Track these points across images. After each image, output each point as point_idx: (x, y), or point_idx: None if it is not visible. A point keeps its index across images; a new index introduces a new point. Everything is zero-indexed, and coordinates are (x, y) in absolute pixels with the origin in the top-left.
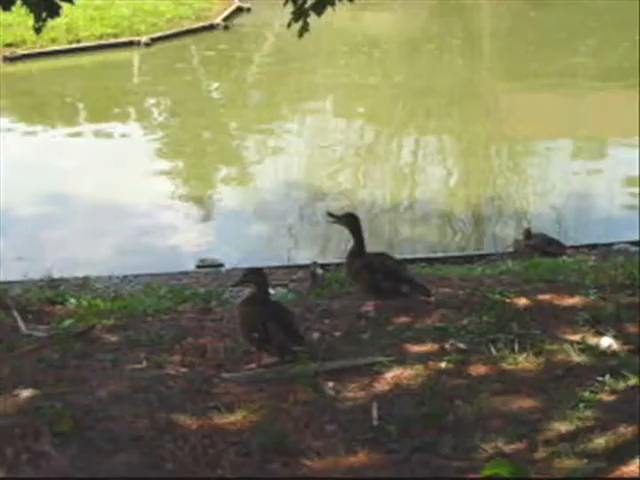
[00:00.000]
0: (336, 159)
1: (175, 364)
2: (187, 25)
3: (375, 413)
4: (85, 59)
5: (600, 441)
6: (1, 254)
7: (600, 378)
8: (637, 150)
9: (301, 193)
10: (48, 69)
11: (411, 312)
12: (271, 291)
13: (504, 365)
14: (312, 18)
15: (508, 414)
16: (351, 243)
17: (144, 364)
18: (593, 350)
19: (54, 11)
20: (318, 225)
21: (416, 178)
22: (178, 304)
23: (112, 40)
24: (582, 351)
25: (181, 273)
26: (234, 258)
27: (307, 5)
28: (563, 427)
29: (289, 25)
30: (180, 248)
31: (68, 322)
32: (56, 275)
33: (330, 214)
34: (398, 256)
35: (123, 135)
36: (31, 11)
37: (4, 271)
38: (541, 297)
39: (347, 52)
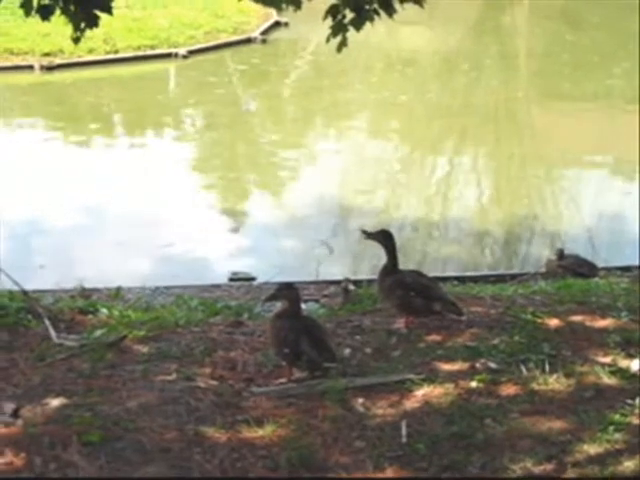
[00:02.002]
0: (370, 176)
1: (205, 377)
2: (225, 38)
3: (404, 431)
4: (122, 70)
5: (629, 464)
6: (34, 263)
7: (630, 401)
8: None
9: (334, 209)
10: (85, 79)
11: (442, 330)
12: (303, 306)
13: (534, 385)
14: (350, 33)
15: (537, 435)
16: (383, 260)
17: (174, 376)
18: (624, 373)
19: (93, 21)
20: (351, 241)
21: (450, 196)
22: (209, 317)
23: (149, 52)
24: (613, 373)
25: (213, 286)
26: (266, 272)
27: (346, 20)
28: (592, 449)
29: (328, 40)
30: (213, 261)
31: (99, 332)
32: (88, 285)
33: (364, 231)
34: (430, 274)
35: (157, 146)
36: (70, 21)
37: (36, 280)
38: (573, 318)
39: (383, 68)
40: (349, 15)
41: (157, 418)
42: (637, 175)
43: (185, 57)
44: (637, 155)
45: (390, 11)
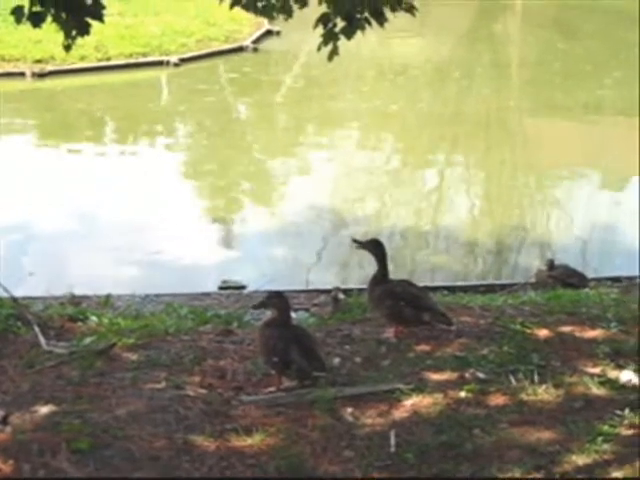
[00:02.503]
0: (361, 185)
1: (194, 385)
2: (217, 46)
3: (393, 440)
4: (114, 77)
5: (617, 474)
6: (23, 270)
7: (619, 412)
8: None
9: (325, 218)
10: (76, 86)
11: (432, 340)
12: (292, 314)
13: (523, 396)
14: (341, 42)
15: (526, 445)
16: (374, 269)
17: (163, 384)
18: (613, 383)
19: (84, 29)
20: (341, 250)
21: (440, 206)
22: (199, 325)
23: (141, 59)
24: (602, 384)
25: (203, 294)
26: (257, 280)
27: (337, 29)
28: (580, 460)
29: (319, 48)
30: (203, 269)
31: (89, 340)
32: (78, 292)
33: (355, 240)
34: (420, 283)
35: (148, 154)
36: (61, 29)
37: (26, 287)
38: (562, 329)
39: (374, 78)
40: (340, 24)
41: (146, 426)
42: (627, 185)
43: (177, 65)
44: (627, 165)
45: (381, 20)
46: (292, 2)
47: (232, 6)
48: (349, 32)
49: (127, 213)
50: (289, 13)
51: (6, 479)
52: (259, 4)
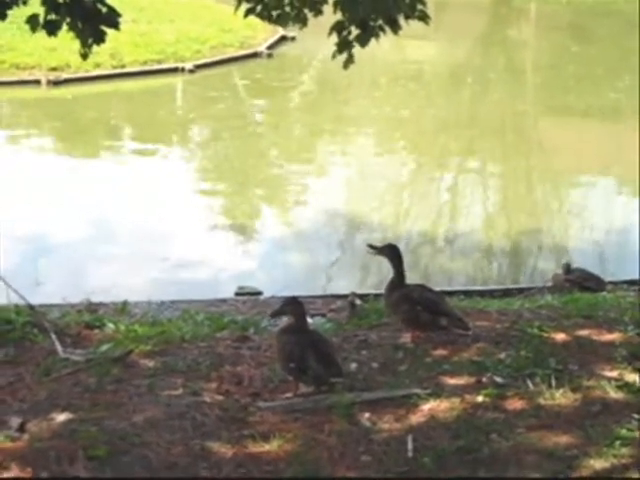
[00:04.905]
0: (377, 190)
1: (211, 392)
2: (231, 53)
3: (410, 445)
4: (129, 84)
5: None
6: (40, 277)
7: (637, 415)
8: None
9: (341, 223)
10: (92, 93)
11: (448, 345)
12: (309, 320)
13: (541, 400)
14: (356, 48)
15: (543, 450)
16: (390, 274)
17: (180, 391)
18: (630, 387)
19: (100, 37)
20: (357, 255)
21: (456, 210)
22: (216, 331)
23: (156, 66)
24: (619, 388)
25: (219, 300)
26: (273, 286)
27: (351, 36)
28: (598, 464)
29: (334, 56)
30: (219, 275)
31: (105, 347)
32: (94, 299)
33: (371, 246)
34: (437, 288)
35: (164, 161)
36: (77, 37)
37: (43, 294)
38: (579, 332)
39: (389, 83)
40: (354, 31)
41: (163, 433)
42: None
43: (192, 71)
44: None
45: (395, 28)
46: (306, 10)
47: (246, 15)
48: (363, 40)
49: (143, 220)
50: (304, 22)
51: None
52: (273, 13)
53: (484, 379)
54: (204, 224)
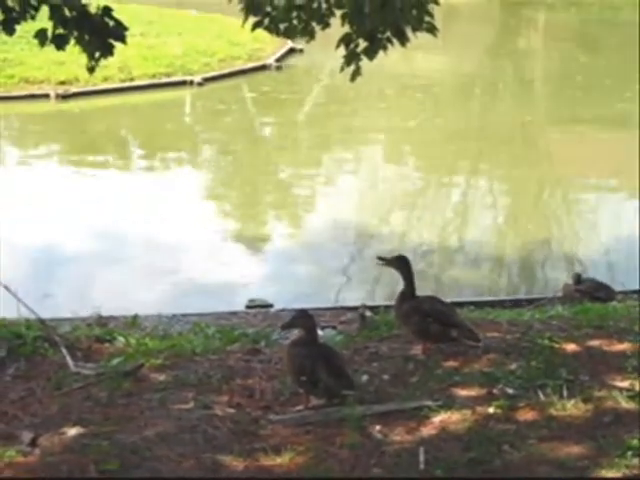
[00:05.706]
0: (386, 201)
1: (222, 405)
2: (240, 65)
3: (422, 457)
4: (137, 98)
5: None
6: (51, 291)
7: None
8: None
9: (350, 235)
10: (100, 107)
11: (459, 356)
12: (320, 332)
13: (552, 411)
14: (364, 60)
15: (555, 460)
16: (400, 286)
17: (191, 404)
18: None
19: (108, 50)
20: (367, 267)
21: (466, 221)
22: (226, 344)
23: (164, 79)
24: (631, 398)
25: (230, 313)
26: (283, 299)
27: (359, 49)
28: (610, 475)
29: (342, 69)
30: (230, 288)
31: (116, 361)
32: (105, 313)
33: (380, 257)
34: (447, 299)
35: (173, 173)
36: (84, 51)
37: (53, 309)
38: (590, 343)
39: (397, 94)
40: (362, 44)
41: (174, 447)
42: None
43: (200, 84)
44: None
45: (403, 40)
46: (314, 23)
47: (254, 28)
48: (371, 52)
49: (152, 233)
50: (311, 35)
51: None
52: (281, 26)
53: (495, 390)
54: (214, 237)
